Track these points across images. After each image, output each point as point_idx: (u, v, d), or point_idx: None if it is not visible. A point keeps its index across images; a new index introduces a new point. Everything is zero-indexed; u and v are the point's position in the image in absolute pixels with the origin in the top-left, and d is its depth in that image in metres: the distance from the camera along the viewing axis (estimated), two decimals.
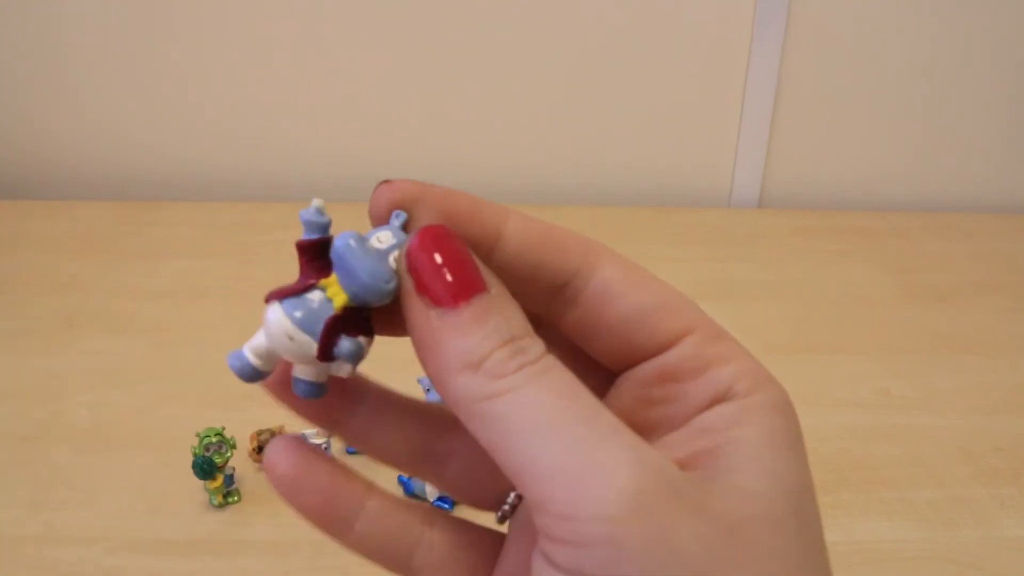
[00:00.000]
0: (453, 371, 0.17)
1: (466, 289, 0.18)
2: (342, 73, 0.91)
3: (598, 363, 0.21)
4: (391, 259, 0.19)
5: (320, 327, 0.18)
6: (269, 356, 0.19)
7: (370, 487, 0.22)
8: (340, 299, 0.19)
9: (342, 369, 0.20)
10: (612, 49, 0.90)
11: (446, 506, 0.52)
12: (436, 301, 0.18)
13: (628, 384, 0.20)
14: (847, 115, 0.93)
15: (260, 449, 0.55)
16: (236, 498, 0.53)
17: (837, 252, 0.84)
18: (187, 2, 0.88)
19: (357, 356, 0.19)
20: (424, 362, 0.18)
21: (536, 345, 0.18)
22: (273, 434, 0.56)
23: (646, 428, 0.20)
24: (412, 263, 0.18)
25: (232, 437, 0.52)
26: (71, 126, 0.95)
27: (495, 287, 0.18)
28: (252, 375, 0.19)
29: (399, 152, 0.95)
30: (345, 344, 0.18)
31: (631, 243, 0.85)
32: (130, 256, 0.82)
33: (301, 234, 0.20)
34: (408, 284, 0.18)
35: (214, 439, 0.51)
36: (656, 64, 0.90)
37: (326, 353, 0.18)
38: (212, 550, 0.50)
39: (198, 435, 0.52)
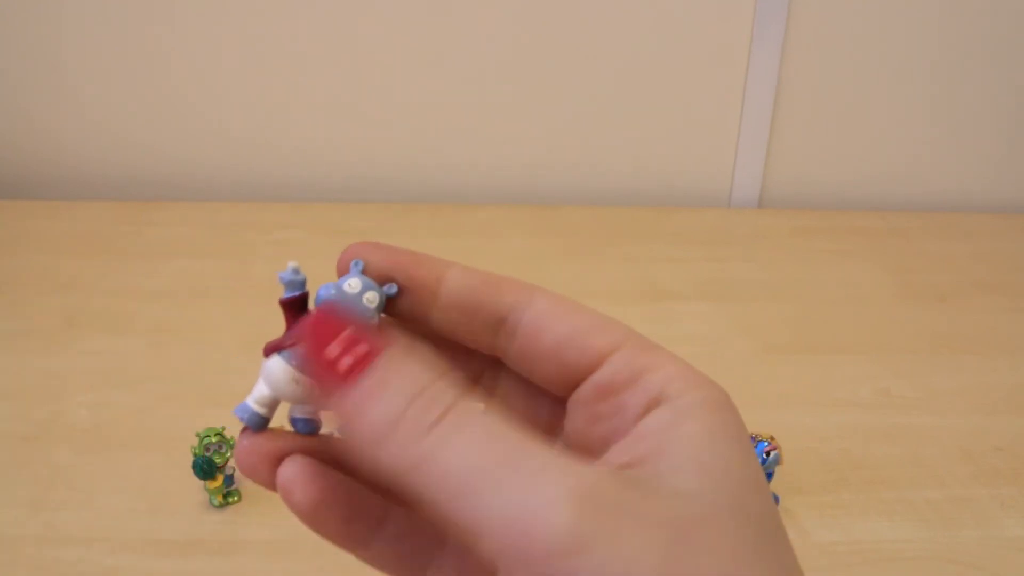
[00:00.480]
0: (375, 444, 0.18)
1: (361, 362, 0.18)
2: (342, 73, 0.91)
3: (548, 392, 0.22)
4: (364, 300, 0.22)
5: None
6: (273, 403, 0.22)
7: (387, 509, 0.23)
8: None
9: None
10: (612, 49, 0.90)
11: None
12: (341, 387, 0.18)
13: (575, 406, 0.21)
14: (847, 115, 0.93)
15: None
16: (236, 498, 0.53)
17: (837, 252, 0.84)
18: (187, 2, 0.88)
19: None
20: (359, 451, 0.18)
21: (449, 388, 0.18)
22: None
23: (597, 443, 0.21)
24: (307, 369, 0.19)
25: (232, 437, 0.52)
26: (71, 126, 0.95)
27: (392, 346, 0.19)
28: (260, 423, 0.22)
29: (399, 152, 0.95)
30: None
31: (631, 243, 0.85)
32: (130, 256, 0.82)
33: (283, 291, 0.23)
34: (318, 390, 0.19)
35: (214, 439, 0.51)
36: (656, 64, 0.90)
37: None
38: (212, 550, 0.50)
39: (198, 435, 0.52)
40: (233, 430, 0.53)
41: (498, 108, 0.93)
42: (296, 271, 0.23)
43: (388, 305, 0.22)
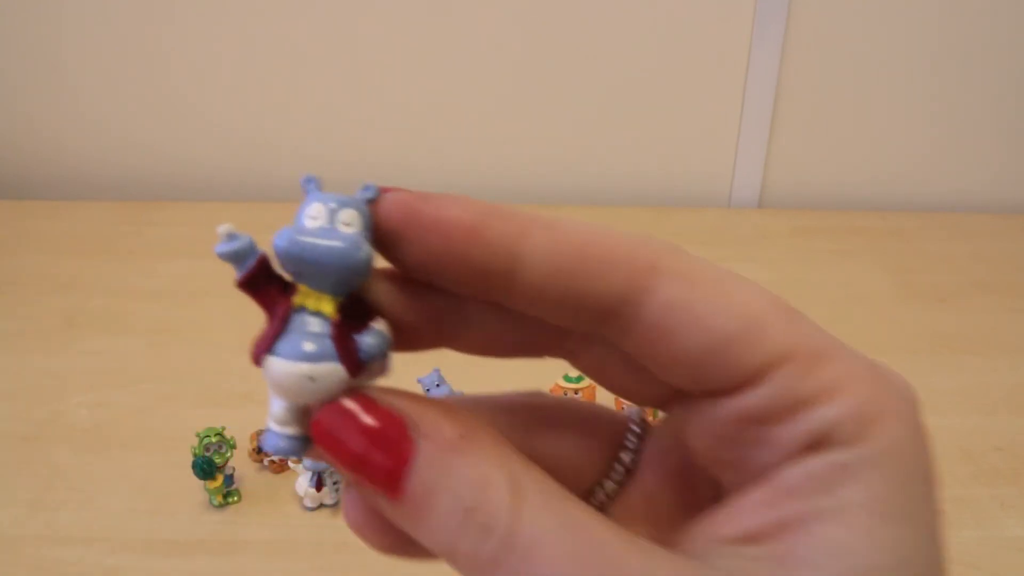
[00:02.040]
0: (439, 554, 0.15)
1: (396, 470, 0.15)
2: (342, 74, 0.91)
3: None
4: (340, 226, 0.16)
5: (333, 346, 0.16)
6: (297, 414, 0.16)
7: None
8: (327, 304, 0.16)
9: (375, 370, 0.17)
10: (612, 50, 0.90)
11: None
12: (378, 490, 0.15)
13: (699, 413, 0.17)
14: (847, 115, 0.93)
15: (260, 449, 0.55)
16: (236, 498, 0.53)
17: (837, 252, 0.84)
18: (187, 3, 0.88)
19: (385, 343, 0.16)
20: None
21: (499, 512, 0.14)
22: None
23: (720, 467, 0.17)
24: (328, 455, 0.16)
25: (232, 437, 0.52)
26: (71, 126, 0.95)
27: (432, 440, 0.15)
28: (294, 446, 0.16)
29: (399, 152, 0.95)
30: (368, 339, 0.16)
31: None
32: (130, 256, 0.82)
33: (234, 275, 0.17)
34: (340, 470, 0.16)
35: (214, 439, 0.51)
36: (656, 64, 0.90)
37: (355, 364, 0.16)
38: (212, 550, 0.50)
39: (198, 435, 0.52)
40: (233, 430, 0.53)
41: (498, 109, 0.93)
42: (232, 235, 0.17)
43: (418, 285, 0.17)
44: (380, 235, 0.16)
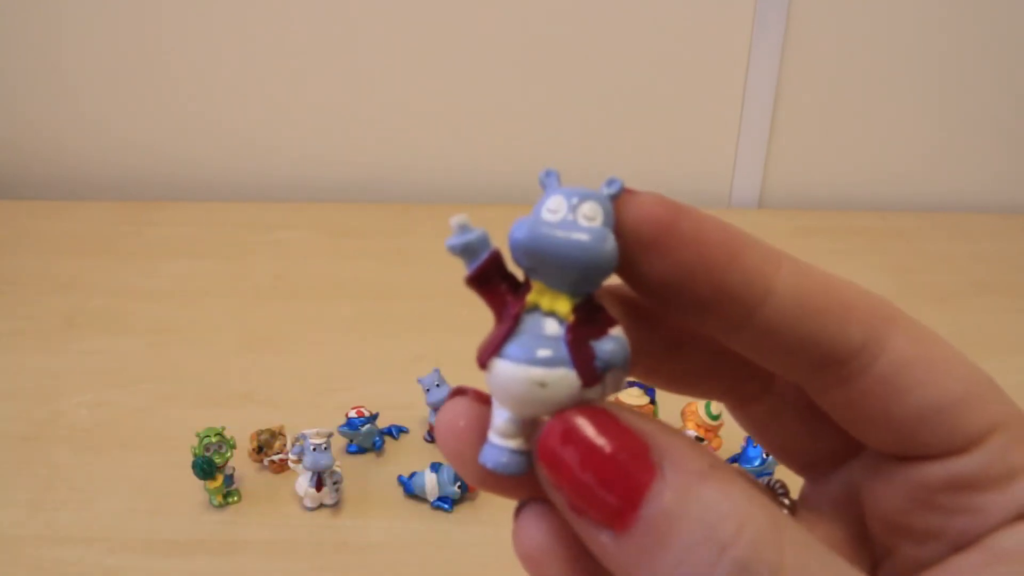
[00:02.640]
0: None
1: (632, 495, 0.13)
2: (342, 74, 0.91)
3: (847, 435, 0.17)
4: (582, 219, 0.15)
5: (567, 351, 0.14)
6: (524, 427, 0.15)
7: None
8: (563, 304, 0.15)
9: (611, 383, 0.15)
10: (612, 50, 0.90)
11: (446, 507, 0.52)
12: (599, 522, 0.14)
13: (899, 476, 0.16)
14: (847, 115, 0.93)
15: (260, 449, 0.55)
16: (236, 498, 0.53)
17: (837, 252, 0.84)
18: (187, 3, 0.88)
19: (625, 353, 0.15)
20: None
21: (766, 549, 0.13)
22: (273, 434, 0.56)
23: (923, 535, 0.16)
24: (552, 477, 0.14)
25: (232, 437, 0.52)
26: (71, 126, 0.95)
27: (676, 464, 0.14)
28: (517, 462, 0.15)
29: (399, 152, 0.95)
30: (607, 346, 0.14)
31: None
32: (130, 256, 0.82)
33: (445, 248, 0.15)
34: (558, 499, 0.14)
35: (214, 439, 0.51)
36: (656, 65, 0.90)
37: (591, 372, 0.14)
38: (212, 550, 0.50)
39: (198, 435, 0.52)
40: (233, 430, 0.53)
41: (498, 109, 0.93)
42: (465, 227, 0.15)
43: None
44: (626, 240, 0.15)
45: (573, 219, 0.15)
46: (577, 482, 0.14)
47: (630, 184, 0.16)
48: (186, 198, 0.96)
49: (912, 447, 0.15)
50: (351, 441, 0.57)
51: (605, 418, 0.14)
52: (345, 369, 0.65)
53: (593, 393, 0.14)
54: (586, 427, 0.14)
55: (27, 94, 0.93)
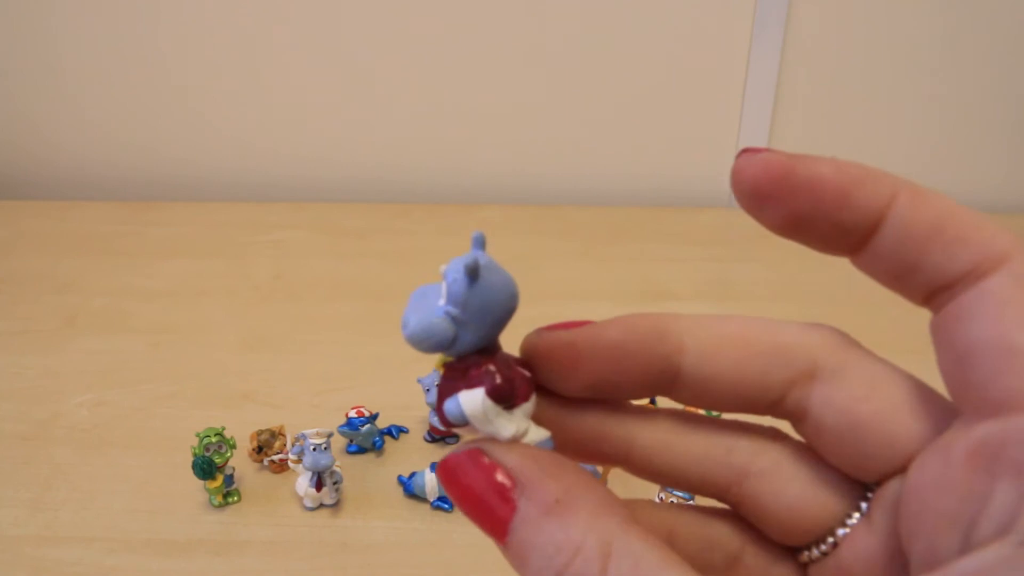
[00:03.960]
0: None
1: (497, 529, 0.16)
2: (342, 74, 0.91)
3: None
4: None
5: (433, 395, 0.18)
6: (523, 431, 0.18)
7: None
8: (438, 360, 0.19)
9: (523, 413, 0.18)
10: (612, 49, 0.90)
11: (446, 507, 0.52)
12: (488, 534, 0.17)
13: (887, 503, 0.17)
14: (847, 115, 0.93)
15: (260, 449, 0.55)
16: (236, 498, 0.53)
17: None
18: (186, 3, 0.88)
19: (459, 410, 0.18)
20: None
21: (590, 571, 0.15)
22: (273, 434, 0.56)
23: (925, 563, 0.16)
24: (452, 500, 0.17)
25: (232, 437, 0.52)
26: (71, 127, 0.95)
27: (533, 502, 0.16)
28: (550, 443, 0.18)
29: (399, 152, 0.95)
30: (449, 404, 0.18)
31: (631, 243, 0.85)
32: (130, 256, 0.82)
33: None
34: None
35: (214, 439, 0.51)
36: (656, 64, 0.90)
37: (446, 421, 0.18)
38: (212, 550, 0.50)
39: (198, 435, 0.52)
40: (233, 430, 0.53)
41: (498, 109, 0.93)
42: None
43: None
44: (747, 197, 0.17)
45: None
46: (465, 503, 0.16)
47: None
48: (186, 198, 0.96)
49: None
50: (351, 441, 0.57)
51: (476, 459, 0.17)
52: (345, 369, 0.65)
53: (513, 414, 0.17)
54: (458, 469, 0.17)
55: (27, 94, 0.93)
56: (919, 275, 0.16)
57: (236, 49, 0.90)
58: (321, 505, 0.52)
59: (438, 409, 0.18)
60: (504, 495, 0.16)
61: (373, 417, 0.56)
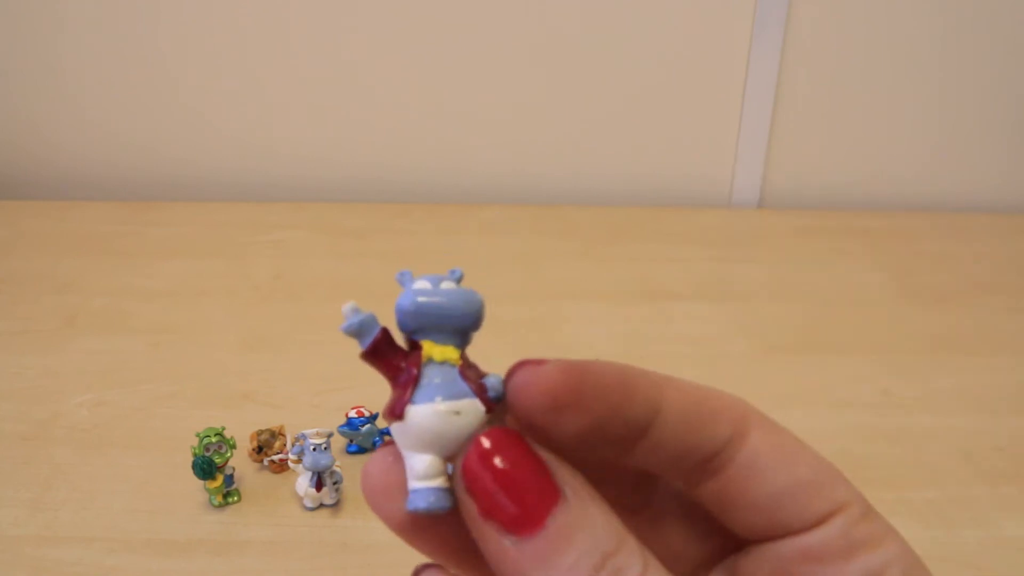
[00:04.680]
0: None
1: (540, 508, 0.16)
2: (342, 73, 0.91)
3: (723, 526, 0.20)
4: (445, 284, 0.18)
5: (468, 385, 0.17)
6: (443, 465, 0.17)
7: None
8: (451, 352, 0.18)
9: (499, 411, 0.18)
10: (612, 49, 0.90)
11: None
12: (507, 528, 0.16)
13: (764, 555, 0.19)
14: (847, 115, 0.93)
15: (260, 449, 0.55)
16: (236, 498, 0.53)
17: (837, 252, 0.84)
18: (186, 3, 0.88)
19: (502, 384, 0.18)
20: None
21: (634, 559, 0.16)
22: (273, 434, 0.56)
23: None
24: (472, 485, 0.16)
25: (232, 437, 0.52)
26: (71, 126, 0.95)
27: (573, 490, 0.16)
28: (447, 498, 0.17)
29: (399, 152, 0.95)
30: (492, 380, 0.18)
31: (630, 243, 0.85)
32: (130, 256, 0.82)
33: (357, 341, 0.19)
34: (471, 507, 0.16)
35: (214, 439, 0.51)
36: (656, 64, 0.90)
37: (488, 400, 0.17)
38: (212, 550, 0.50)
39: (198, 435, 0.52)
40: (233, 430, 0.53)
41: (498, 108, 0.93)
42: (355, 311, 0.19)
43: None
44: (543, 411, 0.17)
45: (438, 281, 0.18)
46: (493, 492, 0.16)
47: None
48: (186, 198, 0.96)
49: (772, 527, 0.18)
50: (351, 441, 0.57)
51: (518, 439, 0.17)
52: (345, 369, 0.65)
53: (496, 420, 0.17)
54: (506, 445, 0.16)
55: (27, 94, 0.93)
56: (693, 450, 0.18)
57: (236, 49, 0.90)
58: (321, 505, 0.52)
59: (479, 388, 0.17)
60: (548, 478, 0.16)
61: (373, 417, 0.56)
